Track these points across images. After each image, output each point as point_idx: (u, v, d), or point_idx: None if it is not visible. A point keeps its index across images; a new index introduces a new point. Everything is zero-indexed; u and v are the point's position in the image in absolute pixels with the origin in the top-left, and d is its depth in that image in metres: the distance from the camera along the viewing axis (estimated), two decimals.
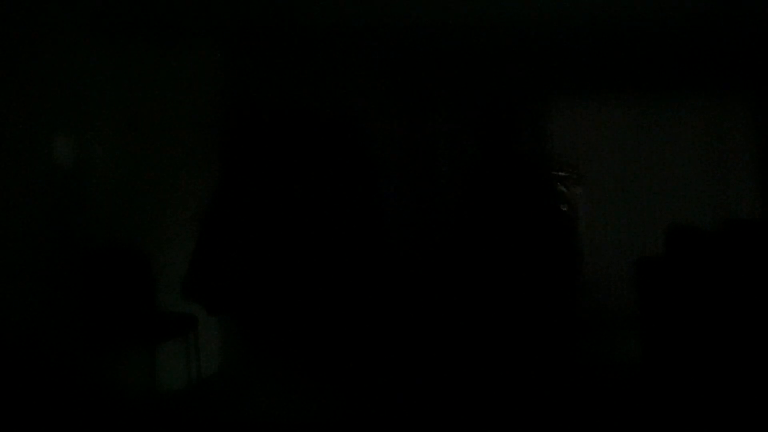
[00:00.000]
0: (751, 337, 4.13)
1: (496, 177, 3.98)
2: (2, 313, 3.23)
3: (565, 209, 4.09)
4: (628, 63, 6.43)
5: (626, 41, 5.99)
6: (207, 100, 4.86)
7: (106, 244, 4.37)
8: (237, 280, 4.46)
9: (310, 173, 4.58)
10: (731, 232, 5.00)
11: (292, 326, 4.44)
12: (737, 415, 3.63)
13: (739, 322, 4.18)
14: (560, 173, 4.19)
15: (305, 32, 5.18)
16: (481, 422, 3.66)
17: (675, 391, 4.09)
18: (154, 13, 4.57)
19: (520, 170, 4.03)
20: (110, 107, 4.66)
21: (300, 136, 4.75)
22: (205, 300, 4.53)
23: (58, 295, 3.48)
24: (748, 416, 3.60)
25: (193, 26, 4.78)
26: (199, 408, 4.14)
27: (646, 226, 6.55)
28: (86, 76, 3.81)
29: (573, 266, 3.95)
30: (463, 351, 4.43)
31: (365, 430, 3.62)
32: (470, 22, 5.33)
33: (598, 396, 4.04)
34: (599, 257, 6.77)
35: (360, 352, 4.34)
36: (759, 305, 4.20)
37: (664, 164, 6.92)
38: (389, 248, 4.88)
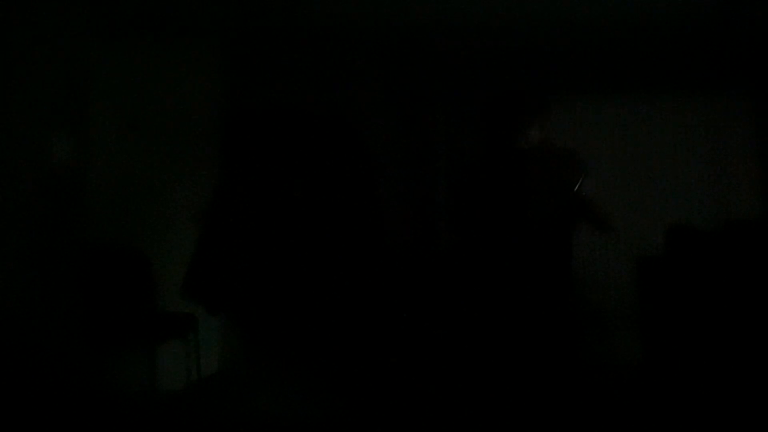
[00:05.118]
0: (751, 337, 4.13)
1: (502, 172, 3.94)
2: (2, 313, 3.23)
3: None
4: (628, 63, 6.43)
5: (626, 41, 5.99)
6: (207, 100, 4.86)
7: (106, 244, 4.37)
8: (237, 280, 4.45)
9: (310, 173, 4.56)
10: (731, 232, 5.00)
11: (293, 326, 4.43)
12: (737, 415, 3.63)
13: (739, 322, 4.18)
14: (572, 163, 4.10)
15: (305, 32, 5.19)
16: (482, 422, 3.66)
17: (675, 390, 4.09)
18: (153, 13, 4.57)
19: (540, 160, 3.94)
20: (110, 107, 4.66)
21: (299, 136, 4.74)
22: (205, 300, 4.52)
23: (57, 295, 3.48)
24: (748, 416, 3.60)
25: (193, 26, 4.78)
26: (199, 408, 4.13)
27: (646, 226, 6.55)
28: (86, 76, 3.81)
29: (569, 260, 3.94)
30: (463, 350, 4.43)
31: (365, 430, 3.61)
32: (470, 21, 5.33)
33: (597, 396, 4.04)
34: (599, 257, 6.78)
35: (360, 352, 4.33)
36: (759, 305, 4.20)
37: (664, 164, 6.92)
38: (389, 248, 4.86)
